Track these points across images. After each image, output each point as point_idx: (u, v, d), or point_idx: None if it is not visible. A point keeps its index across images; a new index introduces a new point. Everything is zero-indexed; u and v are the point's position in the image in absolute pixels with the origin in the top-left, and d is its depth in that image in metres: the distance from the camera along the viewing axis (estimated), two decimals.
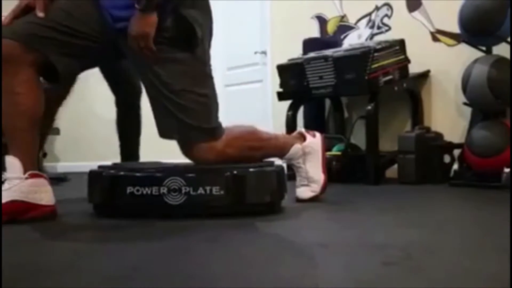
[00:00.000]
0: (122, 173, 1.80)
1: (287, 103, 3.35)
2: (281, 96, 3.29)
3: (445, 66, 3.13)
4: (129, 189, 1.74)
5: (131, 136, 2.64)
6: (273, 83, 3.91)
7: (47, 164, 3.63)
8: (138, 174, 1.78)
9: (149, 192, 1.74)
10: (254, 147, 1.95)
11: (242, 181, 1.78)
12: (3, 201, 1.62)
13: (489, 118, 2.65)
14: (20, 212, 1.64)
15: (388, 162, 3.02)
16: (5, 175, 1.68)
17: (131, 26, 1.70)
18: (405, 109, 3.26)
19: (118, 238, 1.46)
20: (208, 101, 1.80)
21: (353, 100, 3.52)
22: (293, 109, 3.29)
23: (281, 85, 3.27)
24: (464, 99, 2.90)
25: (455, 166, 2.87)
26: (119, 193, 1.77)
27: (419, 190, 2.59)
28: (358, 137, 3.37)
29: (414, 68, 3.10)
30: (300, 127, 3.38)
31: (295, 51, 3.48)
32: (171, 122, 1.77)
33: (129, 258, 1.20)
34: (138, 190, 1.74)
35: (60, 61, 1.73)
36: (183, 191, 1.73)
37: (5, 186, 1.65)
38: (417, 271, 1.03)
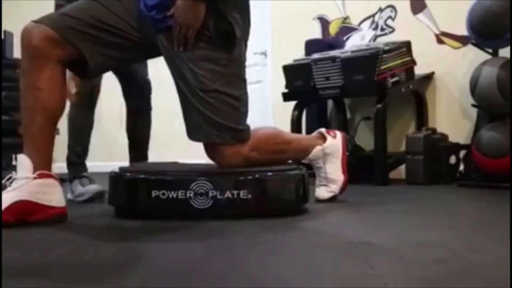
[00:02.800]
0: (147, 176, 1.78)
1: (287, 104, 3.36)
2: (286, 97, 3.29)
3: (449, 68, 3.16)
4: (155, 193, 1.73)
5: (141, 138, 2.62)
6: (274, 84, 3.92)
7: None
8: (164, 178, 1.76)
9: (175, 195, 1.73)
10: (279, 150, 1.95)
11: (268, 185, 1.78)
12: (10, 201, 1.58)
13: (496, 119, 2.69)
14: (26, 213, 1.61)
15: (395, 163, 3.04)
16: (14, 174, 1.65)
17: (178, 11, 1.69)
18: (409, 110, 3.29)
19: (158, 240, 1.44)
20: (237, 103, 1.79)
21: (356, 101, 3.54)
22: (298, 109, 3.29)
23: (287, 86, 3.27)
24: (469, 101, 2.95)
25: (461, 167, 2.91)
26: (144, 196, 1.75)
27: (429, 191, 2.62)
28: (361, 138, 3.40)
29: (418, 70, 3.13)
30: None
31: (296, 52, 3.49)
32: (200, 122, 1.76)
33: (179, 259, 1.19)
34: (164, 194, 1.73)
35: (94, 58, 1.73)
36: (210, 195, 1.72)
37: (13, 186, 1.62)
38: (470, 269, 1.05)
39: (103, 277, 1.04)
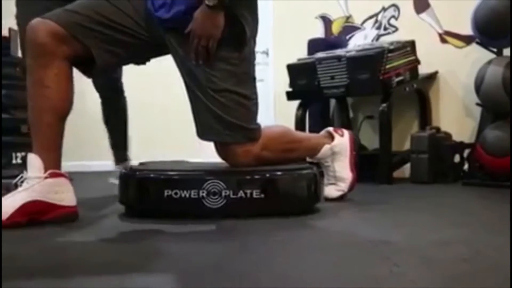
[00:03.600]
0: (160, 175, 1.77)
1: (289, 103, 3.35)
2: (290, 96, 3.29)
3: (453, 68, 3.17)
4: (167, 192, 1.72)
5: (117, 123, 2.56)
6: (276, 83, 3.91)
7: None
8: (177, 177, 1.75)
9: (187, 195, 1.72)
10: (289, 149, 1.95)
11: (281, 184, 1.78)
12: (22, 201, 1.57)
13: (501, 118, 2.70)
14: (38, 213, 1.60)
15: (399, 162, 3.05)
16: (25, 174, 1.63)
17: (196, 22, 1.67)
18: (412, 109, 3.29)
19: (176, 240, 1.44)
20: (248, 102, 1.79)
21: (358, 100, 3.54)
22: (302, 108, 3.29)
23: (291, 85, 3.27)
24: (472, 100, 2.96)
25: (465, 166, 2.93)
26: (156, 195, 1.74)
27: (435, 189, 2.63)
28: (364, 137, 3.40)
29: (422, 69, 3.14)
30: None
31: (298, 51, 3.49)
32: (211, 122, 1.76)
33: (202, 258, 1.19)
34: (176, 193, 1.72)
35: (101, 55, 1.71)
36: (223, 194, 1.71)
37: (24, 186, 1.61)
38: (496, 268, 1.06)
39: (130, 275, 1.04)
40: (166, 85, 4.23)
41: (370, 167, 2.93)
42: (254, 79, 1.83)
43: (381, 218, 1.77)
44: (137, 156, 4.14)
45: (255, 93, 1.83)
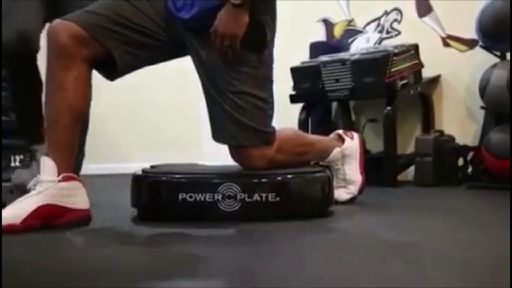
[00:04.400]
0: (174, 178, 1.76)
1: (291, 106, 3.35)
2: (294, 99, 3.28)
3: (456, 71, 3.18)
4: (182, 195, 1.71)
5: (27, 100, 2.20)
6: (277, 86, 3.90)
7: None
8: (192, 180, 1.74)
9: (202, 198, 1.71)
10: (301, 152, 1.95)
11: (297, 187, 1.78)
12: (35, 206, 1.55)
13: (505, 121, 2.72)
14: (52, 217, 1.58)
15: (404, 165, 3.06)
16: (38, 177, 1.62)
17: (221, 21, 1.66)
18: (415, 112, 3.30)
19: (200, 244, 1.43)
20: (265, 105, 1.79)
21: (361, 103, 3.55)
22: (306, 112, 3.29)
23: (294, 88, 3.26)
24: (475, 103, 2.98)
25: (469, 169, 2.94)
26: (171, 198, 1.73)
27: (440, 192, 2.64)
28: (367, 140, 3.40)
29: (424, 73, 3.15)
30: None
31: (299, 55, 3.49)
32: (228, 124, 1.75)
33: (234, 261, 1.19)
34: (191, 196, 1.71)
35: (121, 57, 1.71)
36: (238, 197, 1.71)
37: (37, 190, 1.59)
38: None
39: (163, 281, 1.02)
40: (169, 87, 4.24)
41: (374, 170, 2.94)
42: (271, 82, 1.83)
43: (397, 221, 1.78)
44: (138, 158, 4.16)
45: (272, 96, 1.84)
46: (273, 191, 1.71)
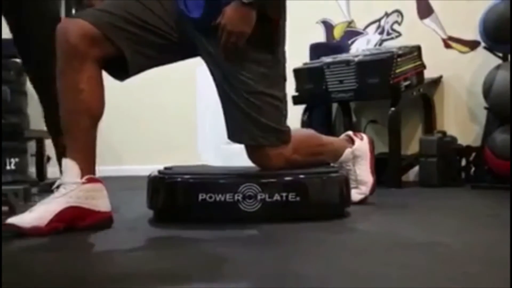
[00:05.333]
0: (194, 179, 1.75)
1: (292, 108, 3.34)
2: (296, 100, 3.28)
3: (457, 72, 3.22)
4: (201, 196, 1.70)
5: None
6: None
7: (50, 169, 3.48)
8: (212, 181, 1.73)
9: (222, 199, 1.70)
10: (317, 152, 1.96)
11: (316, 187, 1.78)
12: (60, 208, 1.54)
13: (508, 122, 2.75)
14: (76, 219, 1.57)
15: (408, 165, 3.08)
16: (62, 179, 1.60)
17: (227, 18, 1.64)
18: (416, 113, 3.33)
19: (226, 245, 1.41)
20: (280, 104, 1.79)
21: (361, 104, 3.57)
22: (308, 113, 3.30)
23: (297, 89, 3.27)
24: (476, 104, 3.03)
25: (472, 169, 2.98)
26: (190, 199, 1.72)
27: (446, 193, 2.66)
28: None
29: (426, 74, 3.17)
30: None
31: (299, 56, 3.49)
32: (245, 124, 1.74)
33: (265, 262, 1.17)
34: (211, 197, 1.70)
35: (133, 57, 1.68)
36: (259, 197, 1.70)
37: (61, 191, 1.57)
38: None
39: (198, 285, 1.01)
40: (165, 88, 4.21)
41: (377, 171, 2.95)
42: (285, 80, 1.83)
43: (416, 221, 1.79)
44: (133, 161, 4.12)
45: (285, 95, 1.83)
46: (294, 191, 1.71)
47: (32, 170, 3.47)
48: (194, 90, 4.33)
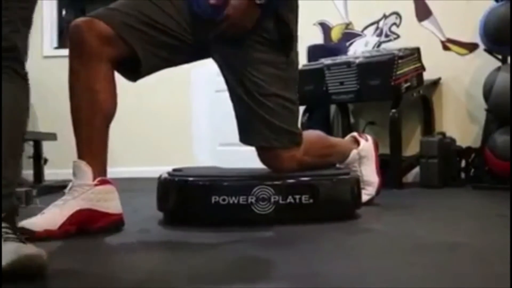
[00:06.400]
0: (207, 181, 1.74)
1: None
2: None
3: (455, 74, 3.25)
4: (215, 198, 1.68)
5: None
6: None
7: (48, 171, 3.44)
8: (225, 183, 1.72)
9: (236, 201, 1.69)
10: (326, 154, 1.97)
11: (329, 189, 1.78)
12: (72, 210, 1.52)
13: (508, 123, 2.78)
14: (88, 222, 1.55)
15: (409, 166, 3.10)
16: (74, 181, 1.58)
17: (236, 11, 1.63)
18: (415, 115, 3.35)
19: (244, 247, 1.40)
20: (293, 106, 1.79)
21: (359, 106, 3.58)
22: (308, 114, 3.30)
23: (297, 91, 3.26)
24: (475, 106, 3.06)
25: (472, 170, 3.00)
26: (203, 202, 1.70)
27: (449, 193, 2.69)
28: None
29: (425, 76, 3.19)
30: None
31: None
32: (258, 126, 1.74)
33: (289, 264, 1.17)
34: (224, 200, 1.69)
35: (146, 58, 1.67)
36: (272, 200, 1.69)
37: (73, 194, 1.55)
38: None
39: (221, 283, 1.00)
40: (160, 91, 4.17)
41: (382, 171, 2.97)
42: (298, 82, 1.83)
43: (428, 221, 1.80)
44: (126, 162, 4.07)
45: (297, 96, 1.83)
46: (307, 193, 1.71)
47: (30, 172, 3.41)
48: (189, 92, 4.33)
